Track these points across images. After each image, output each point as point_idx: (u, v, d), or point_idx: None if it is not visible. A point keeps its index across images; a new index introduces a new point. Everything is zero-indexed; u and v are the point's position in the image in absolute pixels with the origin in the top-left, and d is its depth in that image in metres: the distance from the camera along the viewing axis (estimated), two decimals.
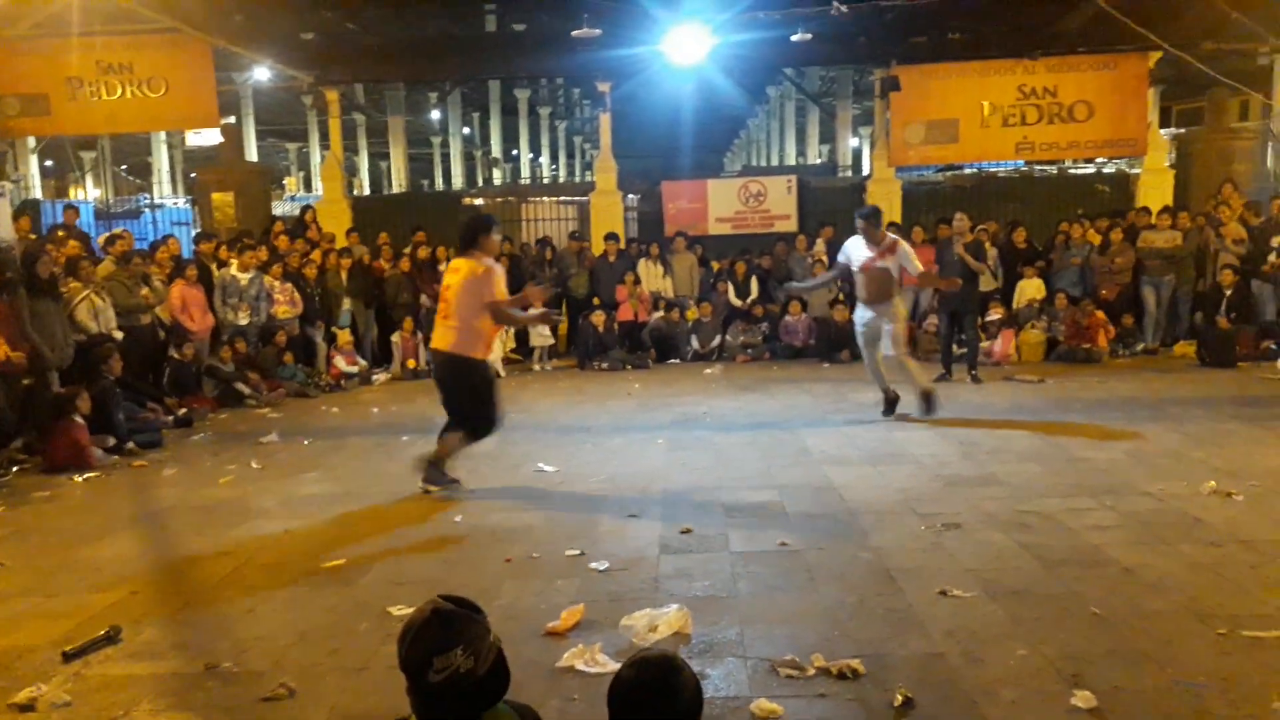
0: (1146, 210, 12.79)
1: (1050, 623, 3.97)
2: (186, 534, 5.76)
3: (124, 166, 33.25)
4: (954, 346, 10.65)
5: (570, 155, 47.55)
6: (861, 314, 8.35)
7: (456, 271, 6.24)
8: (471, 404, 6.29)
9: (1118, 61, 14.33)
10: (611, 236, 13.62)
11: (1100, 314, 11.53)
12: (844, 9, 12.49)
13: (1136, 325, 12.13)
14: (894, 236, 8.36)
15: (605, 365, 12.14)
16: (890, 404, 8.38)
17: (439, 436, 6.42)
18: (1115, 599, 4.19)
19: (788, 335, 12.60)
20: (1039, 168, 18.25)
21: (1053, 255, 12.70)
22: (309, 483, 6.92)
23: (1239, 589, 4.28)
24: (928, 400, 8.15)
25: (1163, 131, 16.63)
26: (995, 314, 11.71)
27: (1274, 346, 10.81)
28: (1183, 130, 18.81)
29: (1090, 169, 18.70)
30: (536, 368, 12.46)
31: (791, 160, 34.52)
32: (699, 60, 14.48)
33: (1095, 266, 12.25)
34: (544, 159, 40.28)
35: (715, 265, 13.61)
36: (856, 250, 8.19)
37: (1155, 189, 14.42)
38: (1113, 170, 17.84)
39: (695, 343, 12.71)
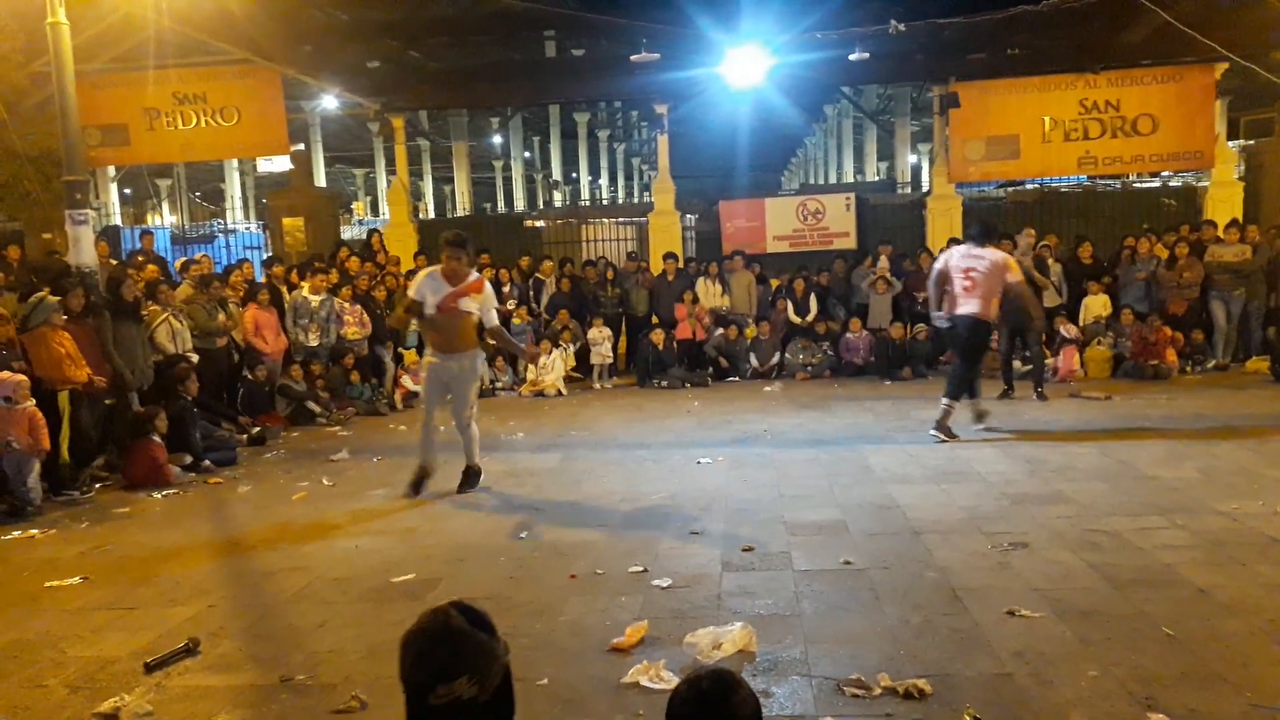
0: (1214, 224, 12.52)
1: (1121, 644, 3.91)
2: (260, 549, 5.91)
3: (198, 193, 34.26)
4: (1015, 363, 10.50)
5: (629, 177, 47.91)
6: None
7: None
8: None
9: (1183, 73, 14.09)
10: (670, 256, 13.70)
11: (1168, 330, 11.29)
12: (901, 27, 12.48)
13: (1206, 341, 11.86)
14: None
15: (665, 383, 12.19)
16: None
17: None
18: (1189, 620, 4.11)
19: (848, 353, 12.54)
20: (1102, 182, 17.97)
21: (1118, 270, 12.49)
22: (378, 499, 7.06)
23: None
24: None
25: (1230, 143, 16.29)
26: (1064, 330, 11.54)
27: None
28: (1251, 142, 18.35)
29: (1156, 183, 18.36)
30: (597, 385, 12.56)
31: (849, 178, 34.39)
32: (756, 81, 14.55)
33: (1162, 281, 12.01)
34: (603, 181, 40.64)
35: (774, 283, 13.62)
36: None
37: (1224, 202, 14.12)
38: (1179, 184, 17.49)
39: (754, 360, 12.72)
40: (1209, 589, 4.46)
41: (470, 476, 7.18)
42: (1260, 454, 7.15)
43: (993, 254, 8.08)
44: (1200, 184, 15.55)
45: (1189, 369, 11.46)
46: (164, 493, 7.55)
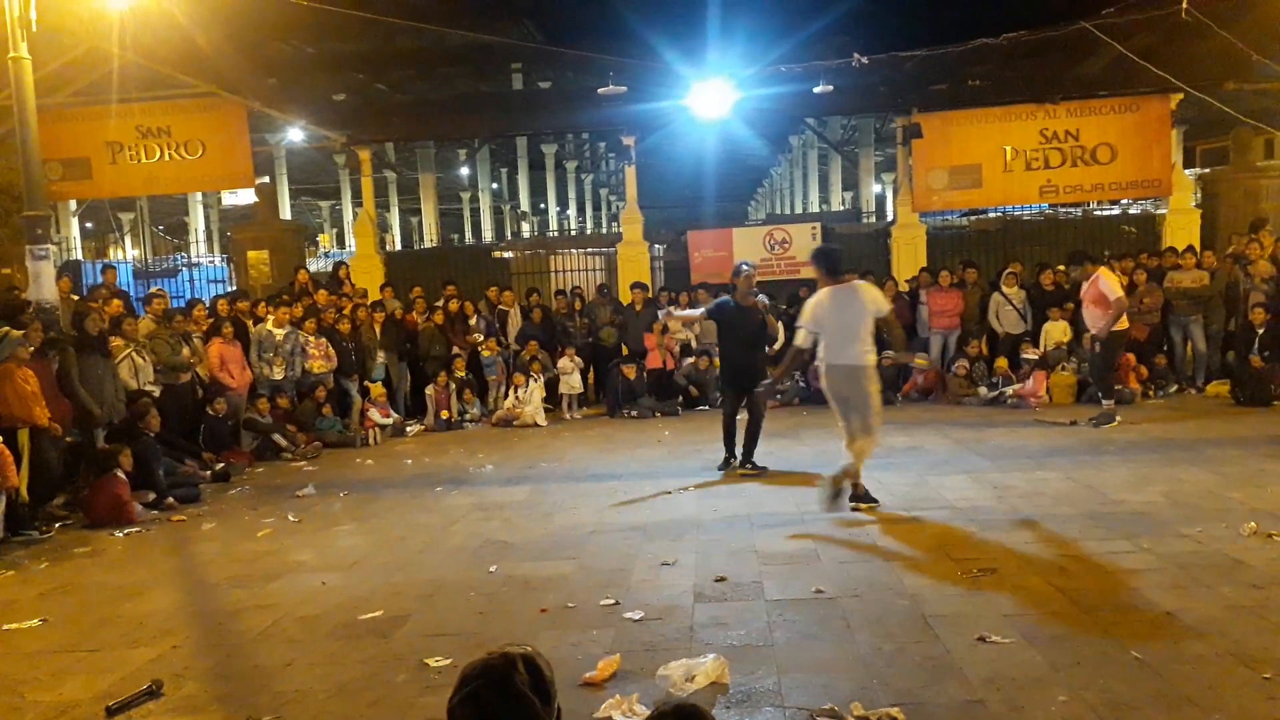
0: (1173, 250, 12.74)
1: (1090, 668, 3.93)
2: (225, 587, 5.82)
3: (161, 227, 33.99)
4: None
5: (597, 207, 48.12)
6: None
7: None
8: None
9: (1140, 103, 14.39)
10: (639, 285, 13.73)
11: (1130, 355, 11.46)
12: (864, 60, 12.66)
13: (1169, 366, 12.04)
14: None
15: (635, 413, 12.18)
16: None
17: None
18: (1156, 643, 4.15)
19: (818, 380, 12.55)
20: (1064, 210, 18.26)
21: (1080, 296, 12.64)
22: (345, 535, 6.99)
23: None
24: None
25: (1187, 171, 16.65)
26: (1026, 354, 11.69)
27: None
28: (1207, 170, 18.78)
29: (1115, 210, 18.68)
30: (567, 416, 12.52)
31: (815, 207, 34.75)
32: (723, 113, 14.70)
33: None
34: (571, 211, 40.78)
35: None
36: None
37: (1181, 229, 14.40)
38: (1138, 211, 17.82)
39: None
40: (1176, 612, 4.50)
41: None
42: (1223, 477, 7.25)
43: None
44: (1159, 211, 15.85)
45: (1151, 393, 11.61)
46: (126, 531, 7.43)
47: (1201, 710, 3.52)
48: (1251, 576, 4.95)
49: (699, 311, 8.68)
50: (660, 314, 11.38)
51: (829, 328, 6.84)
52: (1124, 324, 9.93)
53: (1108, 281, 9.68)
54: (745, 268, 8.55)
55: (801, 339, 7.01)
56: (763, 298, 8.76)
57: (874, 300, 6.89)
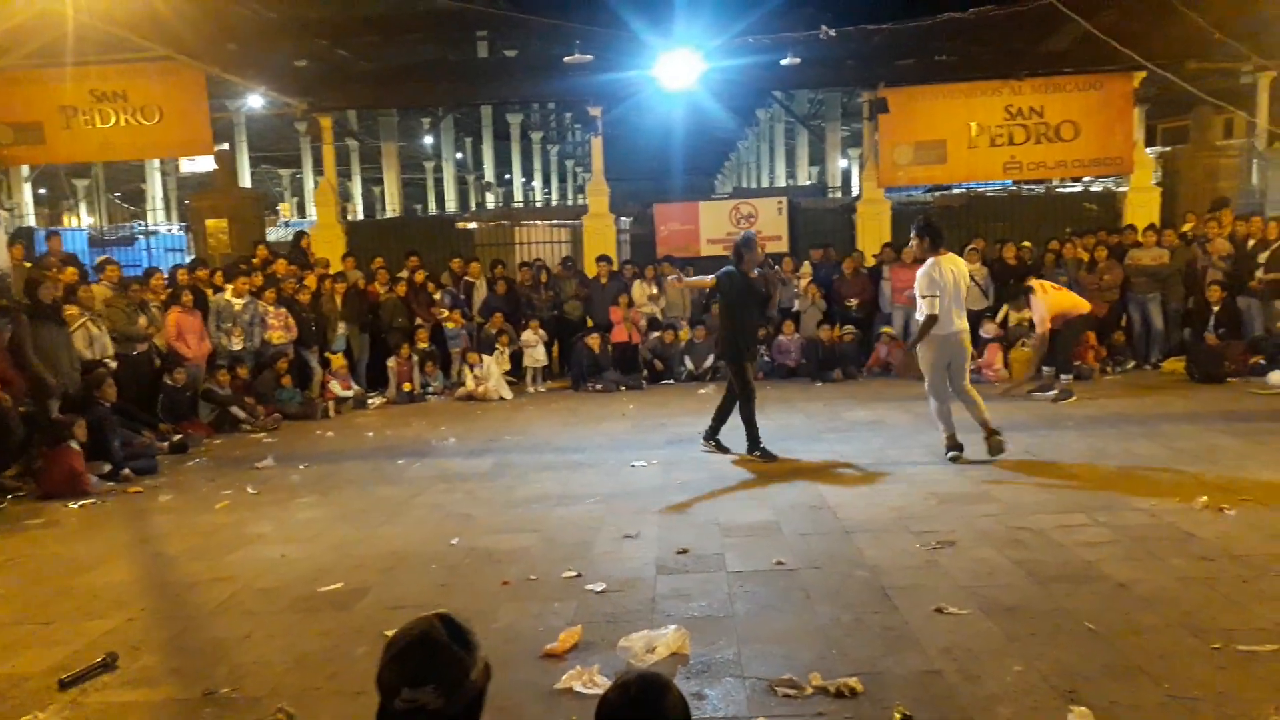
0: (1133, 228, 12.88)
1: (1045, 639, 3.99)
2: (183, 560, 5.76)
3: (118, 194, 33.32)
4: None
5: (563, 179, 47.80)
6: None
7: None
8: None
9: (1103, 81, 14.50)
10: (604, 259, 13.67)
11: (1089, 333, 11.60)
12: (832, 33, 12.63)
13: (1127, 343, 12.21)
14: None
15: (600, 386, 12.16)
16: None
17: None
18: (1109, 614, 4.22)
19: (781, 355, 12.64)
20: (1027, 187, 18.40)
21: (1042, 273, 12.77)
22: (305, 507, 6.93)
23: (1232, 603, 4.31)
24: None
25: (1148, 150, 16.79)
26: (988, 330, 11.81)
27: (1262, 361, 10.87)
28: (1168, 149, 18.96)
29: (1078, 188, 18.85)
30: (531, 390, 12.48)
31: (781, 182, 34.72)
32: (689, 85, 14.62)
33: (1083, 284, 12.32)
34: (536, 183, 40.45)
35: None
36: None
37: (1142, 207, 14.56)
38: (1100, 189, 17.99)
39: (689, 363, 12.76)
40: (1128, 583, 4.58)
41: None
42: (1177, 451, 7.38)
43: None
44: (1120, 189, 16.00)
45: (1109, 369, 11.78)
46: (81, 503, 7.31)
47: (1152, 680, 3.59)
48: (1202, 549, 5.05)
49: (709, 279, 8.44)
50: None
51: (944, 297, 7.27)
52: (1085, 307, 10.04)
53: (1039, 304, 9.85)
54: (750, 237, 8.26)
55: (935, 307, 7.27)
56: (775, 268, 8.52)
57: (965, 272, 7.67)
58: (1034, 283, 10.18)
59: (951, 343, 7.40)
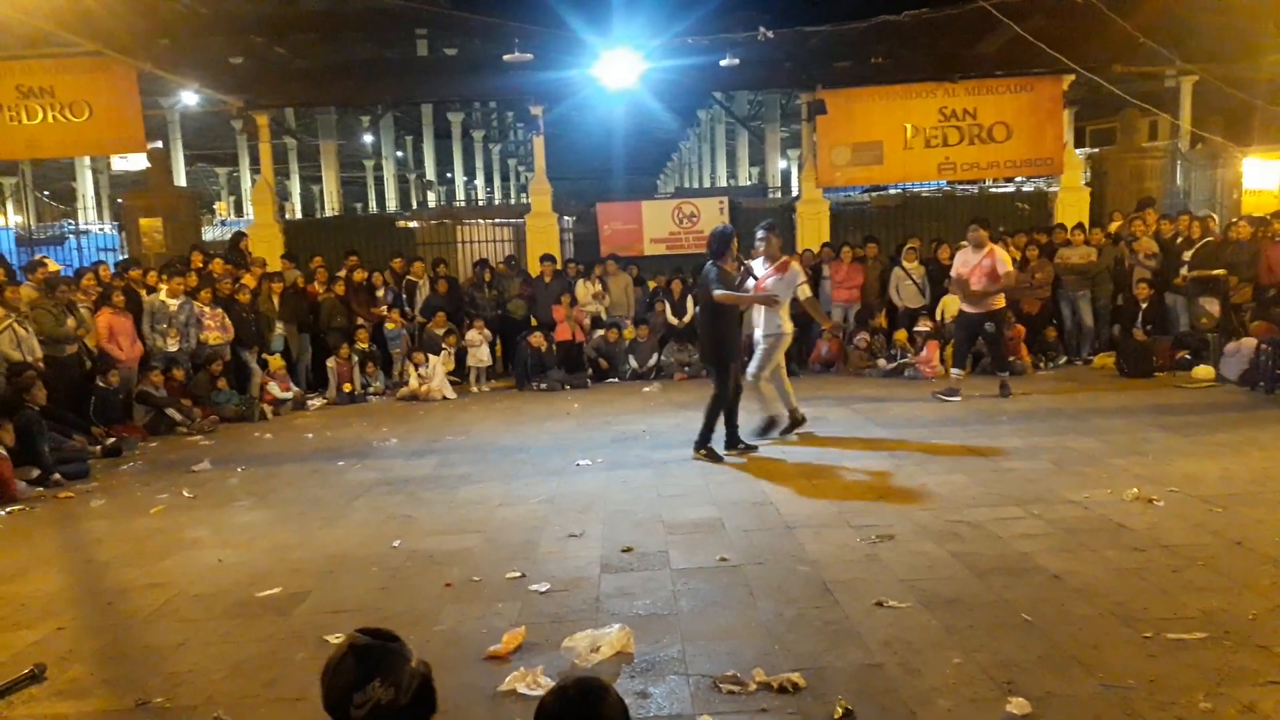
0: (1063, 227, 13.20)
1: (983, 631, 4.07)
2: (115, 566, 5.62)
3: (46, 192, 32.37)
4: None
5: (505, 178, 47.48)
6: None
7: None
8: None
9: (1034, 84, 14.82)
10: (547, 258, 13.63)
11: (1021, 328, 11.86)
12: (770, 35, 12.73)
13: (1058, 339, 12.49)
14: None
15: (544, 385, 12.12)
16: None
17: None
18: (1045, 605, 4.31)
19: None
20: (961, 187, 18.72)
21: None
22: (242, 511, 6.80)
23: (1162, 593, 4.43)
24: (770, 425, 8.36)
25: (1078, 151, 17.22)
26: (923, 327, 12.01)
27: (1188, 356, 11.19)
28: (1096, 150, 19.44)
29: (1010, 188, 19.23)
30: (475, 389, 12.39)
31: (723, 182, 34.95)
32: (630, 84, 14.64)
33: (1015, 282, 12.58)
34: (479, 182, 40.15)
35: (651, 285, 13.71)
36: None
37: (1072, 206, 14.90)
38: (1031, 189, 18.38)
39: (633, 362, 12.78)
40: (1062, 575, 4.69)
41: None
42: (1108, 445, 7.56)
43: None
44: (1050, 189, 16.36)
45: (1042, 365, 12.05)
46: (8, 509, 7.10)
47: (1086, 669, 3.68)
48: (1134, 540, 5.19)
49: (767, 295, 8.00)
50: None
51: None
52: (1000, 301, 10.01)
53: (1002, 257, 9.92)
54: (729, 230, 7.91)
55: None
56: (748, 263, 8.11)
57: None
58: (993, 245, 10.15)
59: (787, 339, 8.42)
